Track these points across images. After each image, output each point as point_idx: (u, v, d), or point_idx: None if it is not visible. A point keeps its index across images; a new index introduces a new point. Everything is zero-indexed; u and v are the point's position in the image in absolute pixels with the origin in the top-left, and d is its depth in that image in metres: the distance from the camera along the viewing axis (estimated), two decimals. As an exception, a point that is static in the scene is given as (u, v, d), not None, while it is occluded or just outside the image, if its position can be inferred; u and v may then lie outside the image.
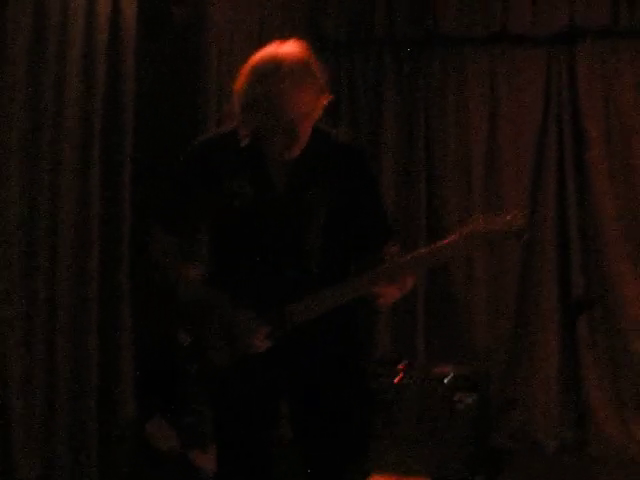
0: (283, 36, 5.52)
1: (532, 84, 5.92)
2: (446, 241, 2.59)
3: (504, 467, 4.59)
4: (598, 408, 5.73)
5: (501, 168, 5.98)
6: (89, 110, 4.13)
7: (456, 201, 6.01)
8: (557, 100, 5.88)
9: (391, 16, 5.95)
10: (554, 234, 5.87)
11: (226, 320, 2.68)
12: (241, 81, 2.67)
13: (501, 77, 5.98)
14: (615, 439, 5.64)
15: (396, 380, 4.51)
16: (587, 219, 5.82)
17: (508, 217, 2.53)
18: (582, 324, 5.76)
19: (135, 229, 4.38)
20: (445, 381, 4.33)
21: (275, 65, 2.60)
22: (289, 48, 2.67)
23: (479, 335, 5.92)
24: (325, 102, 2.67)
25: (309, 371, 2.75)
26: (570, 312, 3.76)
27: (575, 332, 5.82)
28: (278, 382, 2.77)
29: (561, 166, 5.87)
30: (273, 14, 5.53)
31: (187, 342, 2.80)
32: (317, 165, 2.76)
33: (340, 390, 2.77)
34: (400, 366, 4.73)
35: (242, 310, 2.67)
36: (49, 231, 3.98)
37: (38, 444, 3.96)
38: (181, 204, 2.83)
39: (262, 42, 5.20)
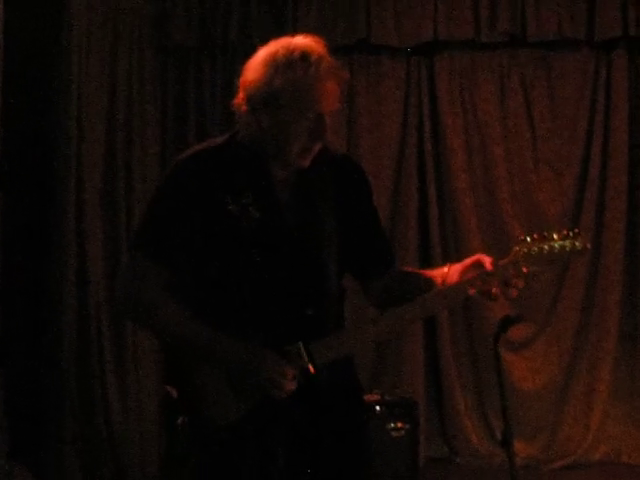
0: (133, 41, 5.32)
1: (391, 95, 5.86)
2: (502, 261, 2.37)
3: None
4: (464, 418, 5.79)
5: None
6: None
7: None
8: (417, 111, 5.86)
9: (247, 23, 5.70)
10: (415, 248, 5.87)
11: (242, 366, 2.32)
12: (256, 74, 2.33)
13: (360, 88, 5.88)
14: (482, 448, 5.72)
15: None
16: (448, 232, 5.86)
17: (569, 235, 2.39)
18: (444, 334, 5.82)
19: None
20: (377, 409, 4.17)
21: (302, 53, 2.29)
22: (308, 40, 2.35)
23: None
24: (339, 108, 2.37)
25: (315, 424, 2.41)
26: (496, 330, 3.69)
27: (437, 344, 5.86)
28: (280, 436, 2.39)
29: (422, 178, 5.86)
30: (125, 20, 5.32)
31: (175, 394, 2.45)
32: (322, 182, 2.45)
33: (349, 440, 2.47)
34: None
35: (265, 351, 2.32)
36: None
37: None
38: (178, 231, 2.37)
39: (115, 50, 5.10)
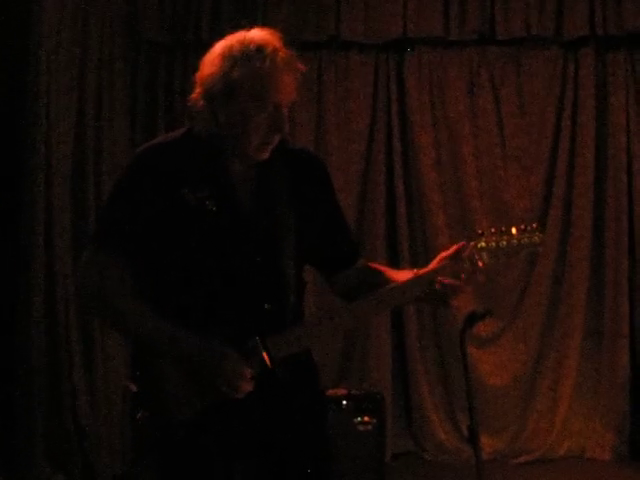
0: (104, 36, 5.28)
1: (360, 91, 5.87)
2: (463, 254, 2.38)
3: None
4: (431, 413, 5.82)
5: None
6: None
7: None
8: (385, 108, 5.87)
9: (218, 21, 5.69)
10: (383, 244, 5.88)
11: (200, 364, 2.31)
12: (212, 68, 2.33)
13: (329, 84, 5.88)
14: (449, 443, 5.76)
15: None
16: (416, 228, 5.88)
17: (527, 229, 2.40)
18: (411, 329, 5.84)
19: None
20: (344, 403, 4.19)
21: (258, 46, 2.30)
22: (263, 32, 2.36)
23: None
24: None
25: (275, 419, 2.42)
26: (462, 326, 3.72)
27: (404, 339, 5.88)
28: (239, 433, 2.40)
29: (390, 174, 5.87)
30: (95, 15, 5.27)
31: (134, 389, 2.44)
32: (281, 175, 2.46)
33: (308, 435, 2.48)
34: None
35: (224, 350, 2.32)
36: None
37: None
38: (137, 224, 2.36)
39: (86, 44, 5.07)
